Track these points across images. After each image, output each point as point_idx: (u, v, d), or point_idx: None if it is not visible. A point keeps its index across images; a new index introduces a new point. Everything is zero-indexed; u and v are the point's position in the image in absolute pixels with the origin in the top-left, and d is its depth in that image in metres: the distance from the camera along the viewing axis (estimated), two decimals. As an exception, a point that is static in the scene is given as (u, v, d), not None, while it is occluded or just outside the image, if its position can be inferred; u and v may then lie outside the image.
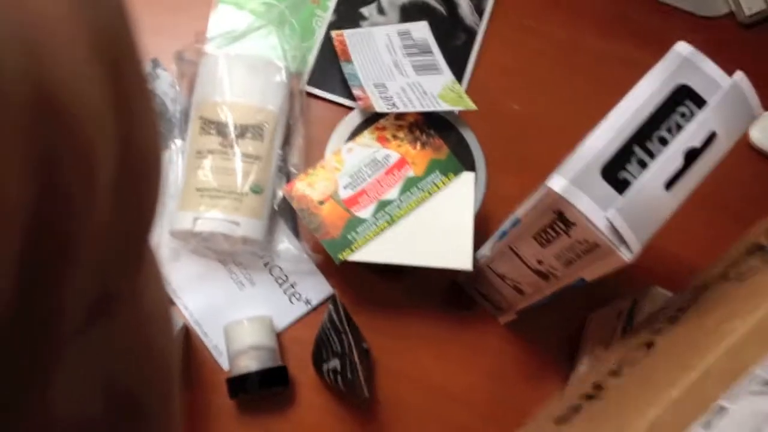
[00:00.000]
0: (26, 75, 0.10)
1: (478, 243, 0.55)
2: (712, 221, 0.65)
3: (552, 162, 0.55)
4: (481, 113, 0.66)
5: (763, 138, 0.68)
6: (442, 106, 0.57)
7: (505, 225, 0.47)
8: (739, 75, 0.44)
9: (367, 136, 0.56)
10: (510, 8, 0.71)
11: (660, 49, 0.68)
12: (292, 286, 0.61)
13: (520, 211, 0.45)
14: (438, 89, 0.60)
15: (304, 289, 0.61)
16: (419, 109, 0.55)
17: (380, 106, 0.56)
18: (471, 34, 0.70)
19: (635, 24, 0.72)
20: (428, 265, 0.53)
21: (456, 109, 0.57)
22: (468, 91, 0.68)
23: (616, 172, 0.41)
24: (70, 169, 0.12)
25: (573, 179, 0.39)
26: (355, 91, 0.60)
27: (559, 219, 0.41)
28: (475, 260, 0.54)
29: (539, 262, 0.47)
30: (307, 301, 0.61)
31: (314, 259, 0.61)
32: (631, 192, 0.39)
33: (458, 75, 0.68)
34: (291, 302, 0.61)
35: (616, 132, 0.42)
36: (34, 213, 0.11)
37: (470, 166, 0.57)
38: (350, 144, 0.56)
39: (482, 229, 0.59)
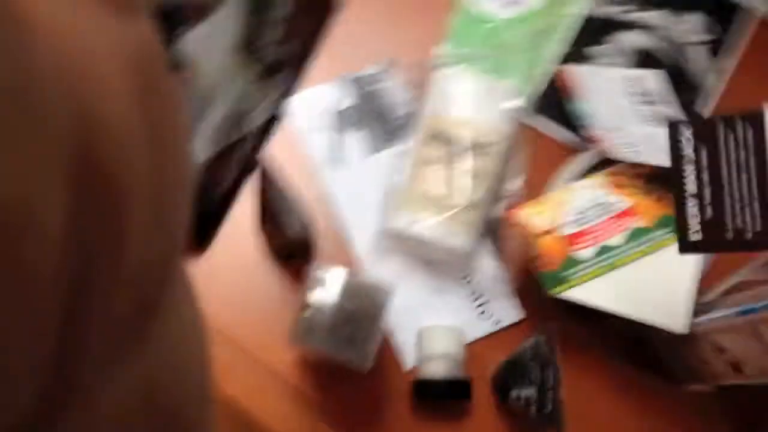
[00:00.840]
0: (68, 103, 0.11)
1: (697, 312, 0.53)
2: None
3: None
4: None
5: None
6: None
7: (757, 304, 0.46)
8: None
9: (600, 178, 0.57)
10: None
11: None
12: (485, 303, 0.62)
13: None
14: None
15: (495, 309, 0.62)
16: (661, 162, 0.55)
17: (620, 153, 0.56)
18: (697, 91, 0.69)
19: None
20: (641, 318, 0.53)
21: None
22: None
23: None
24: (110, 185, 0.12)
25: None
26: (587, 132, 0.61)
27: None
28: (692, 327, 0.53)
29: None
30: (497, 321, 0.62)
31: (513, 284, 0.62)
32: None
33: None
34: (480, 318, 0.62)
35: None
36: (77, 225, 0.11)
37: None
38: (583, 182, 0.57)
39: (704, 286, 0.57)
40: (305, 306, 0.51)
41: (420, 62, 0.66)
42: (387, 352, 0.61)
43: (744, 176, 0.37)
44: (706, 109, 0.68)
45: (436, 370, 0.57)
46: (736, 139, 0.37)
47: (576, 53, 0.69)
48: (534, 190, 0.62)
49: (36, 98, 0.10)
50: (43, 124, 0.10)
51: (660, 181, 0.56)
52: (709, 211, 0.39)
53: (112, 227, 0.13)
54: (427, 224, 0.59)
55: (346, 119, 0.67)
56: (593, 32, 0.70)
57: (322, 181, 0.65)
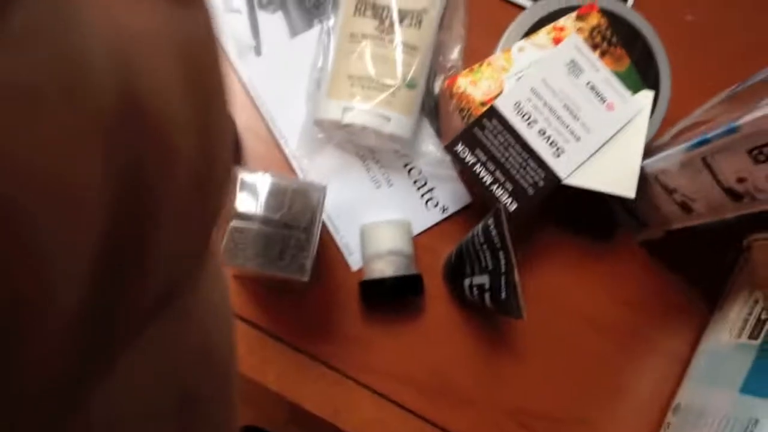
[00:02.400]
0: (114, 82, 0.11)
1: (645, 153, 0.50)
2: None
3: (729, 77, 0.49)
4: (655, 20, 0.59)
5: None
6: None
7: (712, 133, 0.42)
8: None
9: (542, 36, 0.50)
10: None
11: None
12: (430, 191, 0.57)
13: (742, 120, 0.39)
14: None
15: (442, 196, 0.57)
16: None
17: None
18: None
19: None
20: (591, 188, 0.49)
21: None
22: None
23: None
24: (155, 168, 0.12)
25: None
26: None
27: None
28: (640, 171, 0.49)
29: (740, 180, 0.41)
30: (444, 209, 0.57)
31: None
32: None
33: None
34: (427, 207, 0.57)
35: None
36: (119, 204, 0.11)
37: (653, 80, 0.51)
38: (522, 42, 0.50)
39: (654, 139, 0.54)
40: (232, 218, 0.45)
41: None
42: (332, 253, 0.57)
43: (512, 150, 0.49)
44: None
45: (383, 268, 0.53)
46: (492, 132, 0.49)
47: None
48: (477, 57, 0.55)
49: (80, 74, 0.10)
50: (86, 98, 0.10)
51: (603, 33, 0.50)
52: (509, 185, 0.49)
53: (164, 169, 0.13)
54: (362, 109, 0.52)
55: (257, -1, 0.59)
56: None
57: (239, 72, 0.57)
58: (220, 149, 0.16)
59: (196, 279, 0.18)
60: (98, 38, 0.11)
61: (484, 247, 0.49)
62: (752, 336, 0.48)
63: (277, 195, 0.45)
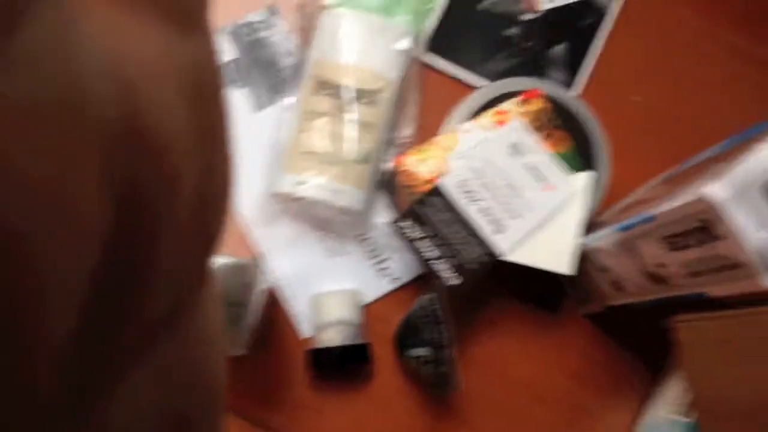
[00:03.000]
0: (115, 105, 0.11)
1: (584, 230, 0.52)
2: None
3: (669, 159, 0.52)
4: (600, 100, 0.62)
5: None
6: None
7: (634, 218, 0.44)
8: None
9: (487, 119, 0.53)
10: (648, -8, 0.66)
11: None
12: (383, 261, 0.59)
13: (657, 210, 0.42)
14: None
15: (395, 266, 0.59)
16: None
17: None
18: (600, 14, 0.65)
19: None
20: (530, 264, 0.51)
21: None
22: (591, 79, 0.63)
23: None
24: (155, 189, 0.12)
25: (733, 192, 0.36)
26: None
27: (704, 229, 0.38)
28: (580, 247, 0.51)
29: (659, 265, 0.43)
30: (396, 279, 0.59)
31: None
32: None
33: (583, 57, 0.64)
34: (379, 277, 0.59)
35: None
36: (118, 222, 0.12)
37: (592, 161, 0.53)
38: (468, 124, 0.53)
39: (590, 217, 0.56)
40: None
41: (304, 5, 0.60)
42: (285, 322, 0.58)
43: (455, 226, 0.51)
44: (602, 34, 0.64)
45: (333, 337, 0.54)
46: (436, 208, 0.51)
47: (468, -16, 0.64)
48: (430, 134, 0.58)
49: (80, 96, 0.10)
50: (85, 120, 0.11)
51: (548, 116, 0.53)
52: (451, 261, 0.51)
53: (164, 189, 0.13)
54: (315, 183, 0.54)
55: (227, 75, 0.61)
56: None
57: (201, 144, 0.60)
58: (220, 176, 0.16)
59: (195, 305, 0.18)
60: (100, 63, 0.11)
61: (426, 320, 0.50)
62: (686, 414, 0.49)
63: (216, 272, 0.47)
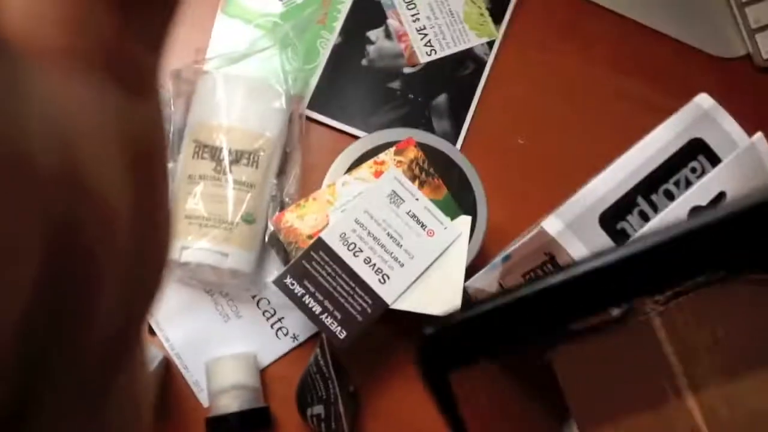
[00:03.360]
0: (54, 156, 0.12)
1: (472, 273, 0.52)
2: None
3: (553, 200, 0.53)
4: (484, 145, 0.64)
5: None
6: (472, 40, 0.64)
7: (497, 259, 0.45)
8: (759, 136, 0.41)
9: (364, 170, 0.54)
10: (522, 38, 0.69)
11: (674, 89, 0.65)
12: (280, 320, 0.58)
13: (513, 248, 0.43)
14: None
15: (292, 325, 0.58)
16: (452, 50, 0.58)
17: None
18: (480, 63, 0.67)
19: (650, 61, 0.69)
20: (417, 311, 0.51)
21: (482, 41, 0.66)
22: (474, 123, 0.65)
23: (615, 221, 0.39)
24: (93, 234, 0.13)
25: (569, 223, 0.37)
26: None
27: (550, 261, 0.39)
28: (465, 291, 0.51)
29: None
30: (294, 337, 0.58)
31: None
32: (631, 248, 0.37)
33: (465, 105, 0.66)
34: (277, 337, 0.58)
35: (621, 180, 0.40)
36: (51, 263, 0.12)
37: (470, 205, 0.54)
38: (345, 177, 0.53)
39: (479, 263, 0.57)
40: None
41: (181, 71, 0.61)
42: (183, 391, 0.56)
43: (340, 279, 0.51)
44: (482, 80, 0.67)
45: (230, 403, 0.53)
46: (319, 263, 0.51)
47: (357, 38, 0.66)
48: (317, 189, 0.59)
49: (20, 144, 0.11)
50: (23, 167, 0.11)
51: (421, 165, 0.54)
52: (338, 315, 0.50)
53: (82, 299, 0.13)
54: (198, 247, 0.54)
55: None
56: (369, 16, 0.67)
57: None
58: (159, 232, 0.16)
59: (132, 360, 0.18)
60: (44, 120, 0.12)
61: (317, 376, 0.50)
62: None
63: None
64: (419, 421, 0.57)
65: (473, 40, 0.68)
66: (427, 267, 0.51)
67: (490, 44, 0.68)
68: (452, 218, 0.53)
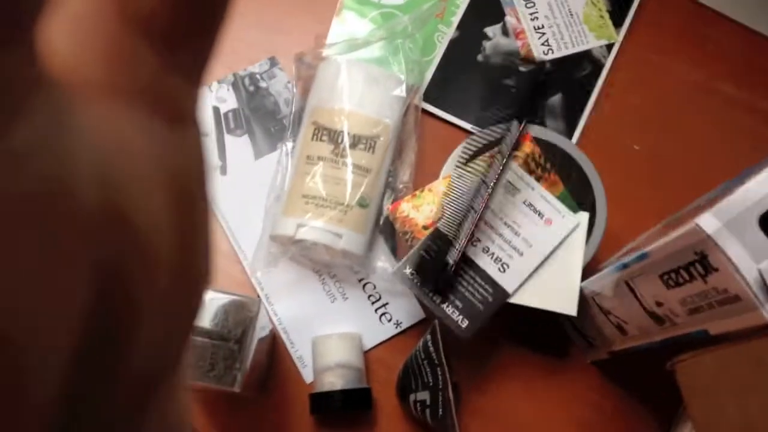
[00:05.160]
0: (98, 197, 0.11)
1: (587, 276, 0.51)
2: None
3: (669, 209, 0.52)
4: (598, 149, 0.62)
5: None
6: (591, 42, 0.64)
7: (629, 258, 0.44)
8: None
9: (480, 164, 0.54)
10: (642, 41, 0.67)
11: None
12: (384, 306, 0.59)
13: (651, 246, 0.42)
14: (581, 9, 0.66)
15: (396, 311, 0.59)
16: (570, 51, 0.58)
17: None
18: (597, 65, 0.67)
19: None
20: (533, 306, 0.50)
21: (601, 43, 0.65)
22: (588, 125, 0.64)
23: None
24: (136, 272, 0.13)
25: (727, 222, 0.36)
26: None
27: (699, 262, 0.37)
28: (580, 291, 0.51)
29: (658, 304, 0.43)
30: (397, 324, 0.59)
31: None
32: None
33: (580, 107, 0.65)
34: (381, 322, 0.59)
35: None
36: (95, 310, 0.12)
37: (589, 204, 0.53)
38: (461, 169, 0.54)
39: (592, 265, 0.56)
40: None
41: (304, 55, 0.62)
42: (287, 366, 0.58)
43: (459, 268, 0.51)
44: (599, 83, 0.66)
45: (333, 381, 0.54)
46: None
47: (474, 33, 0.67)
48: (428, 180, 0.59)
49: (66, 188, 0.11)
50: (68, 211, 0.11)
51: (537, 160, 0.54)
52: (459, 304, 0.50)
53: (121, 343, 0.13)
54: (314, 226, 0.55)
55: (228, 123, 0.63)
56: (487, 12, 0.67)
57: (205, 191, 0.61)
58: (197, 271, 0.17)
59: (171, 386, 0.18)
60: (89, 158, 0.12)
61: (425, 363, 0.50)
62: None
63: (208, 307, 0.47)
64: (518, 421, 0.57)
65: (592, 42, 0.67)
66: (546, 257, 0.51)
67: (609, 47, 0.67)
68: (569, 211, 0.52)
